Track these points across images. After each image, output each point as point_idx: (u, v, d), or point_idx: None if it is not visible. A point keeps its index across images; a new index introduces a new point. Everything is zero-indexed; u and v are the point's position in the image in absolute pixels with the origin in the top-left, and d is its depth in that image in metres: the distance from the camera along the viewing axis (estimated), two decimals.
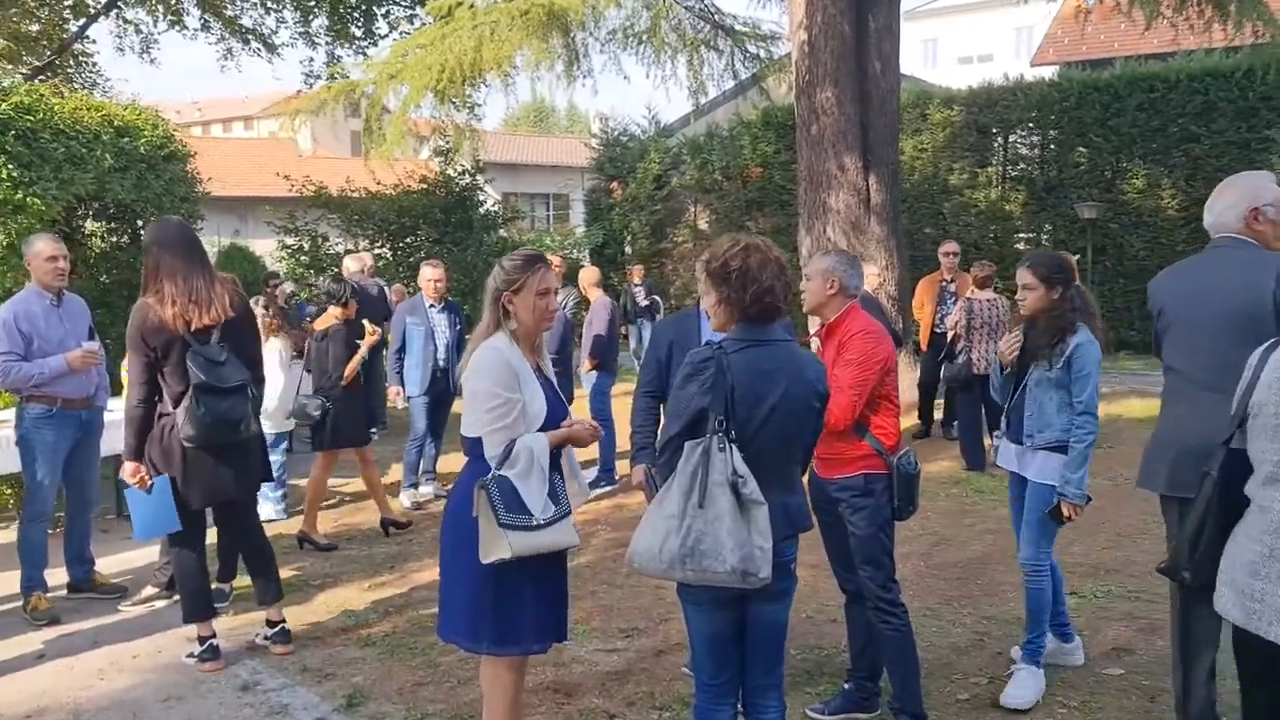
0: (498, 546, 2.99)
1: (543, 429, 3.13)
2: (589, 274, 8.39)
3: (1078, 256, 8.77)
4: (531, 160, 32.59)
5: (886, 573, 3.67)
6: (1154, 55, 17.51)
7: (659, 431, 4.14)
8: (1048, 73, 20.29)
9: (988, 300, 7.80)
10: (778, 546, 2.74)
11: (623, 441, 8.12)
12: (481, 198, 18.89)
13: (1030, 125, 17.09)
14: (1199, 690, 3.29)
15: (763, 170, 19.18)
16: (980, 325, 7.71)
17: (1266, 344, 2.59)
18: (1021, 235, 17.27)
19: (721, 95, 22.10)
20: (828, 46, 10.01)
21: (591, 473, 7.83)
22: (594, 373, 8.02)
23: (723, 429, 2.67)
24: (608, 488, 7.86)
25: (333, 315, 6.74)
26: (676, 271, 20.59)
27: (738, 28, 13.90)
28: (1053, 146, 16.78)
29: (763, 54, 14.21)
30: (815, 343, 3.91)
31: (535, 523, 3.01)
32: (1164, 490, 3.35)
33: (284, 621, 4.81)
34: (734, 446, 2.67)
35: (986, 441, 7.91)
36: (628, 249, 21.02)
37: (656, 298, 15.38)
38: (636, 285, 15.19)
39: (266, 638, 4.77)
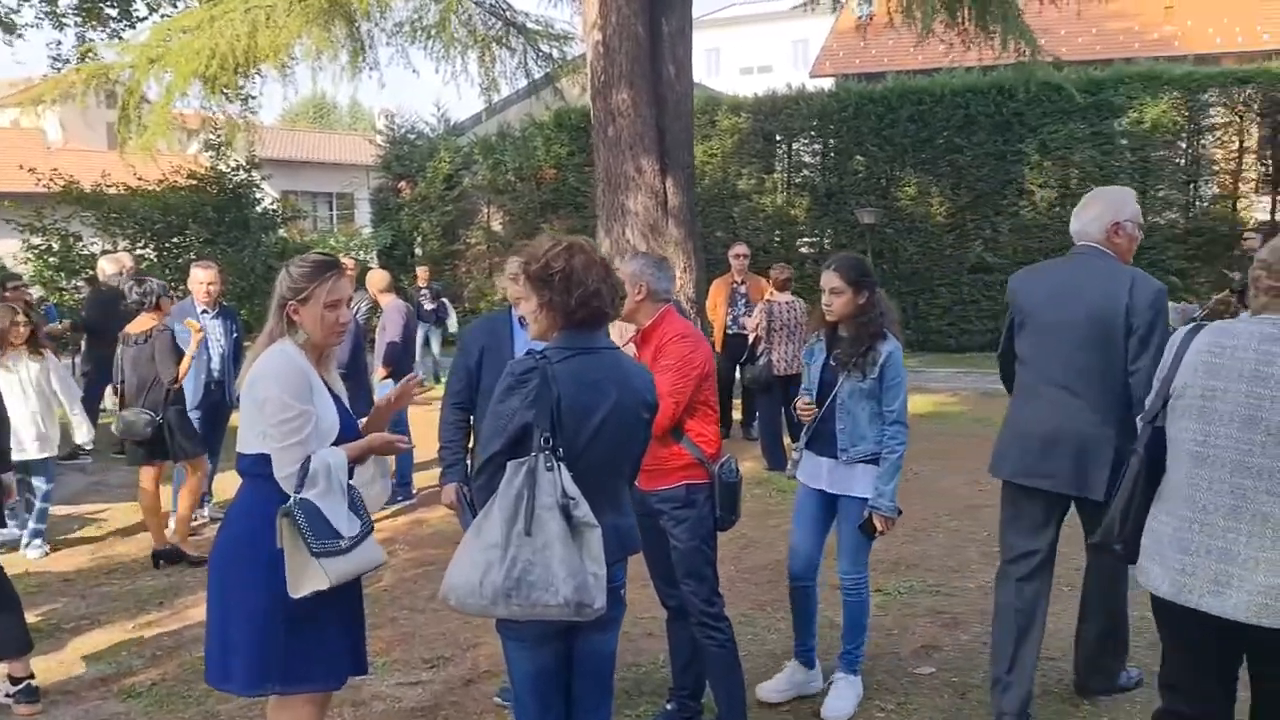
0: (311, 578, 2.67)
1: (335, 443, 2.83)
2: (378, 277, 7.93)
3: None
4: (313, 157, 31.08)
5: (710, 586, 3.55)
6: (921, 71, 18.61)
7: (474, 448, 3.86)
8: (826, 84, 21.22)
9: (787, 302, 7.93)
10: (609, 571, 2.53)
11: (421, 453, 7.78)
12: (258, 195, 17.77)
13: (812, 133, 17.79)
14: (1024, 677, 3.61)
15: (557, 172, 19.04)
16: (780, 327, 7.82)
17: (1188, 328, 2.67)
18: (806, 239, 17.95)
19: (515, 94, 21.71)
20: (622, 48, 9.92)
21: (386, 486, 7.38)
22: (388, 381, 7.57)
23: (549, 446, 2.44)
24: (405, 502, 7.45)
25: (148, 319, 6.08)
26: (470, 274, 20.13)
27: (530, 26, 13.66)
28: (833, 154, 17.51)
29: (556, 54, 14.03)
30: (631, 349, 3.73)
31: (345, 545, 2.72)
32: (1010, 477, 3.63)
33: (31, 676, 4.18)
34: (562, 465, 2.44)
35: (786, 441, 8.04)
36: (418, 250, 20.36)
37: (445, 301, 14.80)
38: (422, 289, 14.58)
39: (9, 695, 4.13)
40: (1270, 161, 15.63)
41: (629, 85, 9.96)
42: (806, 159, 18.13)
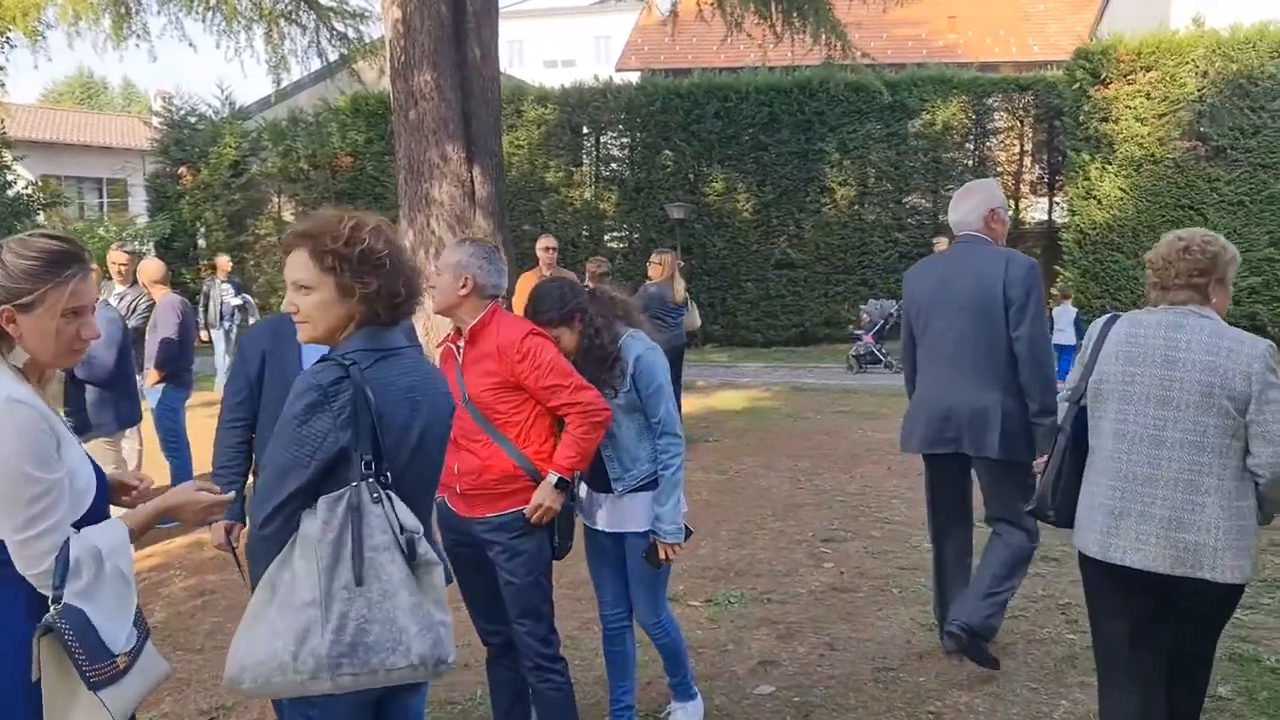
0: (88, 717, 1.94)
1: (93, 507, 2.07)
2: (151, 267, 7.03)
3: (669, 254, 8.90)
4: (78, 139, 28.39)
5: (548, 624, 3.16)
6: (726, 68, 18.81)
7: (255, 478, 3.29)
8: (633, 78, 21.12)
9: None
10: None
11: (202, 463, 6.98)
12: (10, 178, 15.93)
13: (620, 127, 17.63)
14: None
15: (354, 159, 18.06)
16: None
17: (1104, 319, 3.02)
18: (615, 234, 17.77)
19: (308, 77, 20.53)
20: (424, 27, 9.32)
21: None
22: (161, 386, 6.74)
23: (373, 472, 2.01)
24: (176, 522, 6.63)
25: None
26: (260, 268, 18.82)
27: (323, 2, 12.77)
28: (641, 148, 17.39)
29: (352, 33, 13.19)
30: (436, 354, 3.26)
31: (124, 665, 1.99)
32: (920, 449, 4.07)
33: None
34: (392, 494, 2.03)
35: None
36: (201, 241, 18.89)
37: (248, 297, 13.58)
38: (223, 281, 13.17)
39: None
40: (1047, 165, 16.64)
41: (432, 67, 9.38)
42: (615, 152, 17.96)
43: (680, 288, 8.80)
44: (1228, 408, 2.70)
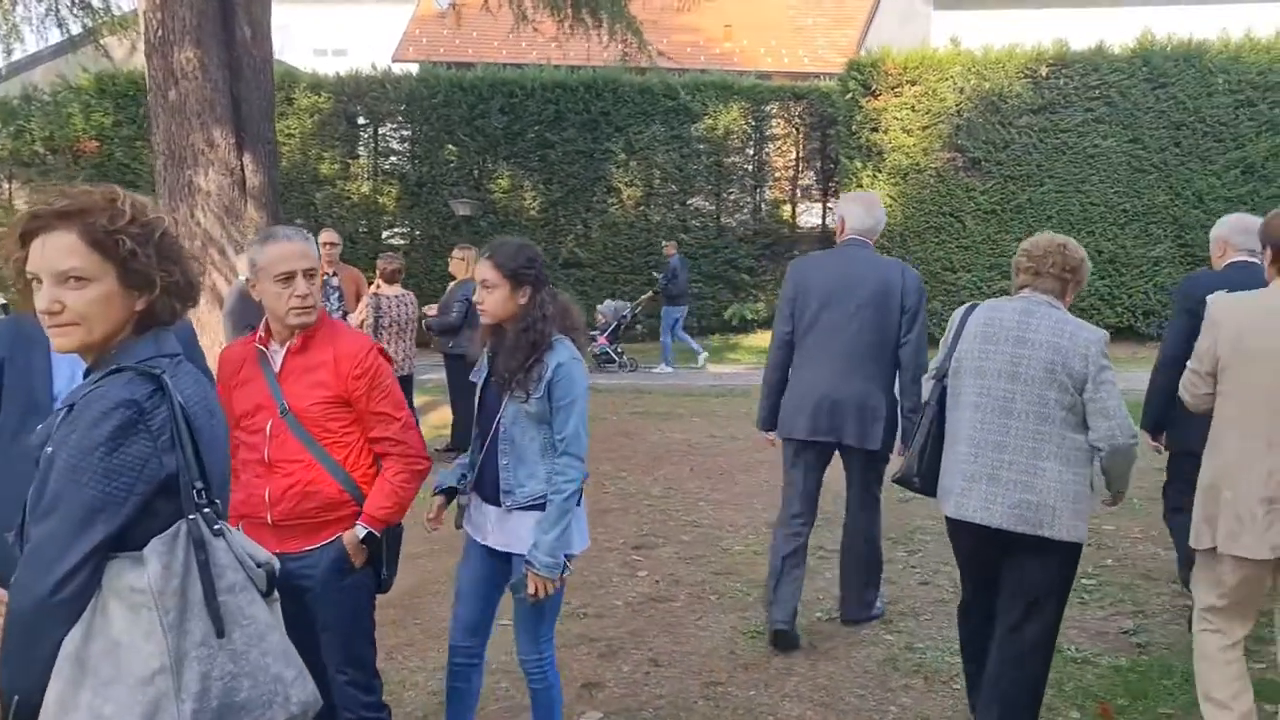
0: None
1: None
2: None
3: (471, 250, 8.49)
4: None
5: (371, 669, 2.81)
6: (510, 64, 18.47)
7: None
8: (412, 70, 20.39)
9: (397, 296, 7.14)
10: None
11: None
12: None
13: (400, 119, 16.93)
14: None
15: (100, 144, 16.41)
16: (390, 324, 7.03)
17: (964, 308, 3.36)
18: (396, 230, 17.07)
19: (44, 51, 18.59)
20: None
21: None
22: None
23: (206, 501, 1.68)
24: None
25: None
26: None
27: None
28: (422, 142, 16.76)
29: (97, 3, 11.92)
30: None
31: None
32: (805, 436, 4.18)
33: None
34: (226, 524, 1.72)
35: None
36: None
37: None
38: None
39: None
40: (821, 171, 17.34)
41: (195, 43, 8.57)
42: (394, 145, 17.23)
43: None
44: (1067, 384, 3.06)
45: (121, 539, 1.61)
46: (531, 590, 2.88)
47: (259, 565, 1.71)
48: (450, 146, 16.48)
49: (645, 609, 4.70)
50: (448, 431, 8.23)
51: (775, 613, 4.22)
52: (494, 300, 2.96)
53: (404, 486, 2.77)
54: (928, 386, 3.42)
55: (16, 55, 12.69)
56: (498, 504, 2.99)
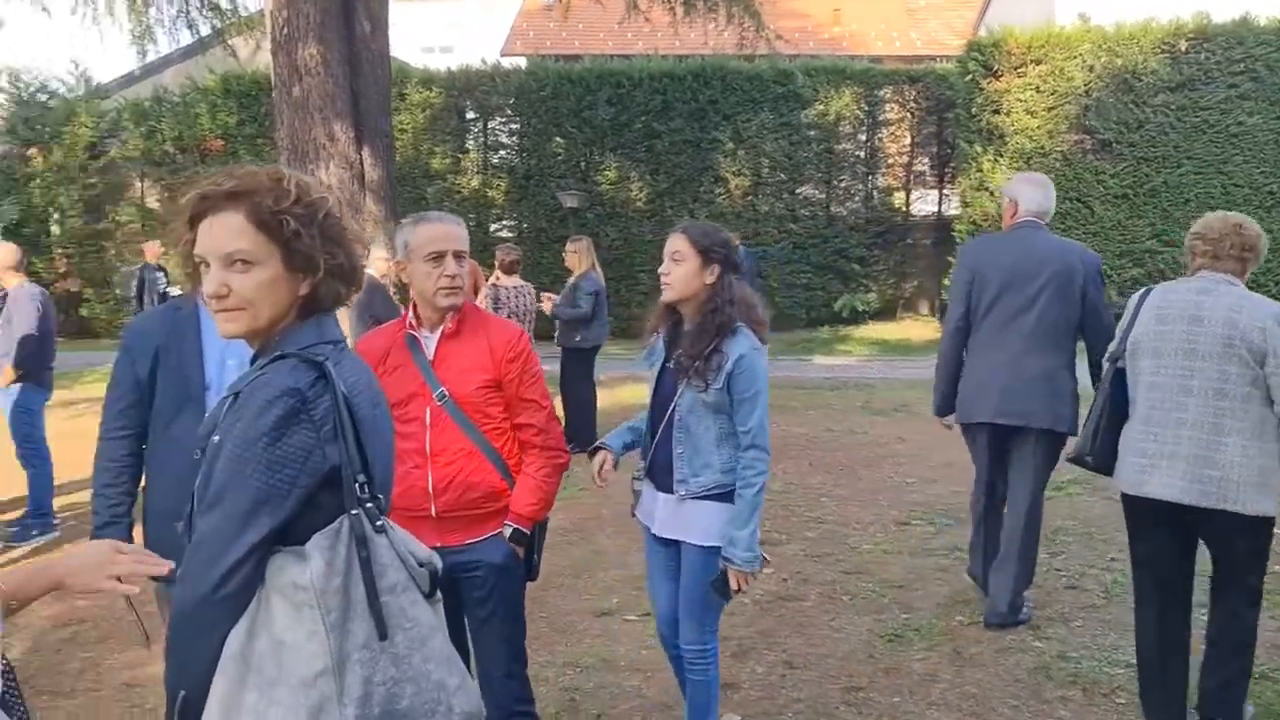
0: None
1: None
2: (4, 253, 6.18)
3: (583, 241, 8.45)
4: None
5: (524, 663, 2.77)
6: (615, 55, 18.42)
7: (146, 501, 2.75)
8: (521, 64, 20.54)
9: (515, 287, 7.13)
10: None
11: (64, 472, 6.23)
12: None
13: (509, 112, 17.05)
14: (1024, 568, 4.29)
15: (225, 143, 16.96)
16: (509, 315, 7.03)
17: (1140, 292, 3.41)
18: (505, 223, 17.21)
19: (175, 53, 19.24)
20: None
21: None
22: (17, 386, 5.96)
23: (369, 495, 1.58)
24: (44, 537, 5.90)
25: None
26: (121, 256, 17.52)
27: None
28: (530, 135, 16.85)
29: (226, 4, 12.27)
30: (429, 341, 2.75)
31: None
32: (990, 418, 4.19)
33: None
34: (389, 519, 1.63)
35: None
36: (54, 229, 17.49)
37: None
38: (156, 268, 12.08)
39: None
40: (936, 157, 16.82)
41: (318, 40, 8.72)
42: (503, 139, 17.38)
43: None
44: (1247, 358, 3.07)
45: (285, 533, 1.54)
46: (735, 587, 2.86)
47: (420, 564, 1.62)
48: (558, 139, 16.52)
49: (775, 608, 4.55)
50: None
51: (977, 569, 4.44)
52: (681, 273, 2.90)
53: (548, 481, 2.74)
54: (1104, 368, 3.47)
55: (150, 58, 13.12)
56: (670, 491, 2.95)
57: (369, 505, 1.57)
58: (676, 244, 2.93)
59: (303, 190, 1.61)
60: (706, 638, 3.01)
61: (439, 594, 1.65)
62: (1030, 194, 4.27)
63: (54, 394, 6.53)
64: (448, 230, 2.68)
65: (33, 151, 17.31)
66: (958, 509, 6.07)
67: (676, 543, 2.98)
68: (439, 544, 2.62)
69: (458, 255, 2.65)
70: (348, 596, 1.52)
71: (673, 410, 2.94)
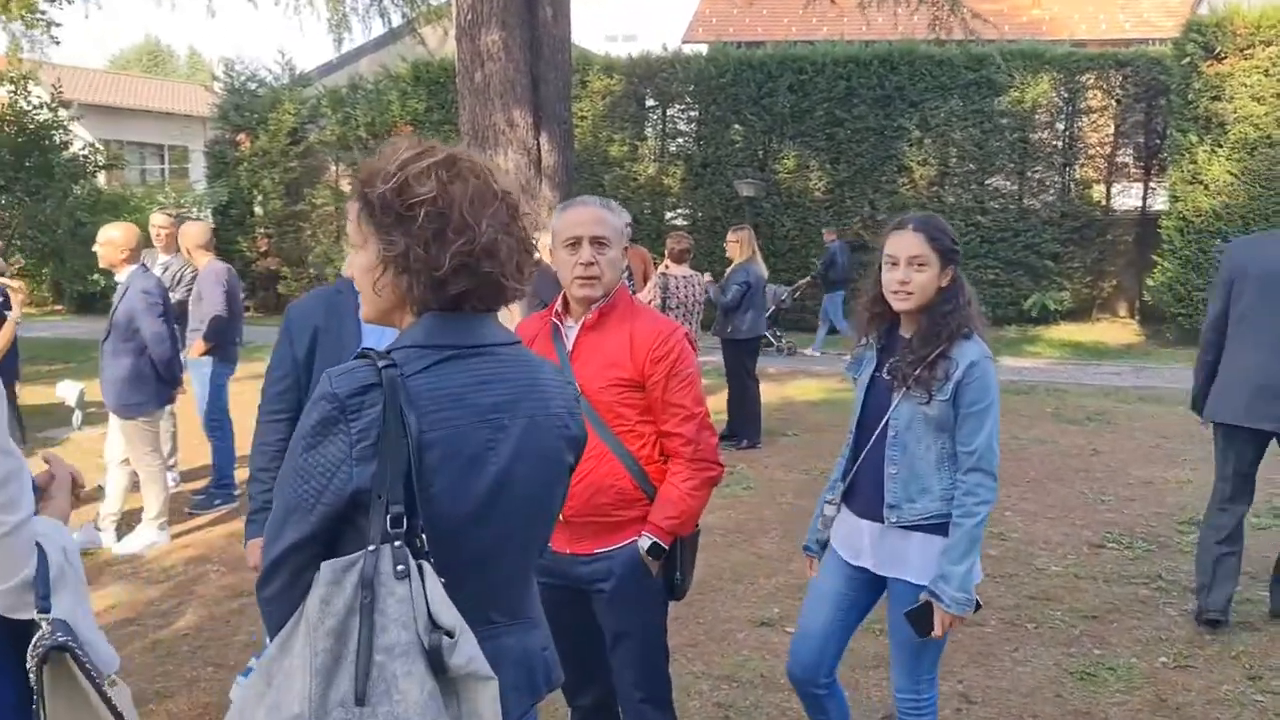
0: None
1: None
2: (195, 231, 6.46)
3: (745, 230, 8.22)
4: (141, 105, 28.26)
5: (666, 686, 2.62)
6: (799, 40, 17.97)
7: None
8: (701, 50, 20.36)
9: (684, 276, 6.96)
10: None
11: (245, 444, 6.49)
12: (66, 138, 15.63)
13: (688, 100, 16.90)
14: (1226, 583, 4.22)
15: (413, 129, 17.53)
16: (677, 305, 6.86)
17: None
18: (680, 210, 17.09)
19: (369, 43, 20.17)
20: None
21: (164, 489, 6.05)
22: (207, 360, 6.24)
23: (404, 529, 1.36)
24: (225, 506, 6.15)
25: None
26: (316, 238, 18.44)
27: None
28: (709, 123, 16.63)
29: None
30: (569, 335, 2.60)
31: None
32: (1240, 421, 4.08)
33: None
34: (429, 565, 1.36)
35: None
36: (258, 209, 18.58)
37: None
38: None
39: None
40: (1144, 147, 15.60)
41: (501, 25, 8.79)
42: (681, 126, 17.23)
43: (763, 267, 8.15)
44: None
45: (328, 548, 1.39)
46: (938, 631, 2.52)
47: (434, 629, 1.33)
48: (736, 126, 16.24)
49: (951, 632, 4.19)
50: (724, 417, 7.96)
51: (1209, 599, 4.17)
52: (924, 281, 2.57)
53: (693, 494, 2.49)
54: None
55: (345, 47, 13.71)
56: (876, 519, 2.61)
57: (398, 545, 1.34)
58: (914, 246, 2.56)
59: (408, 175, 1.44)
60: (922, 687, 2.67)
61: (452, 670, 1.34)
62: None
63: (244, 367, 6.82)
64: (588, 214, 2.49)
65: (241, 137, 18.40)
66: (1159, 533, 5.52)
67: (875, 577, 2.65)
68: (569, 551, 2.46)
69: (596, 241, 2.46)
70: (342, 642, 1.32)
71: (885, 425, 2.60)
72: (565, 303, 2.57)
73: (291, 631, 1.38)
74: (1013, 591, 4.66)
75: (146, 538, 5.44)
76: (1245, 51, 12.82)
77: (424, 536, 1.37)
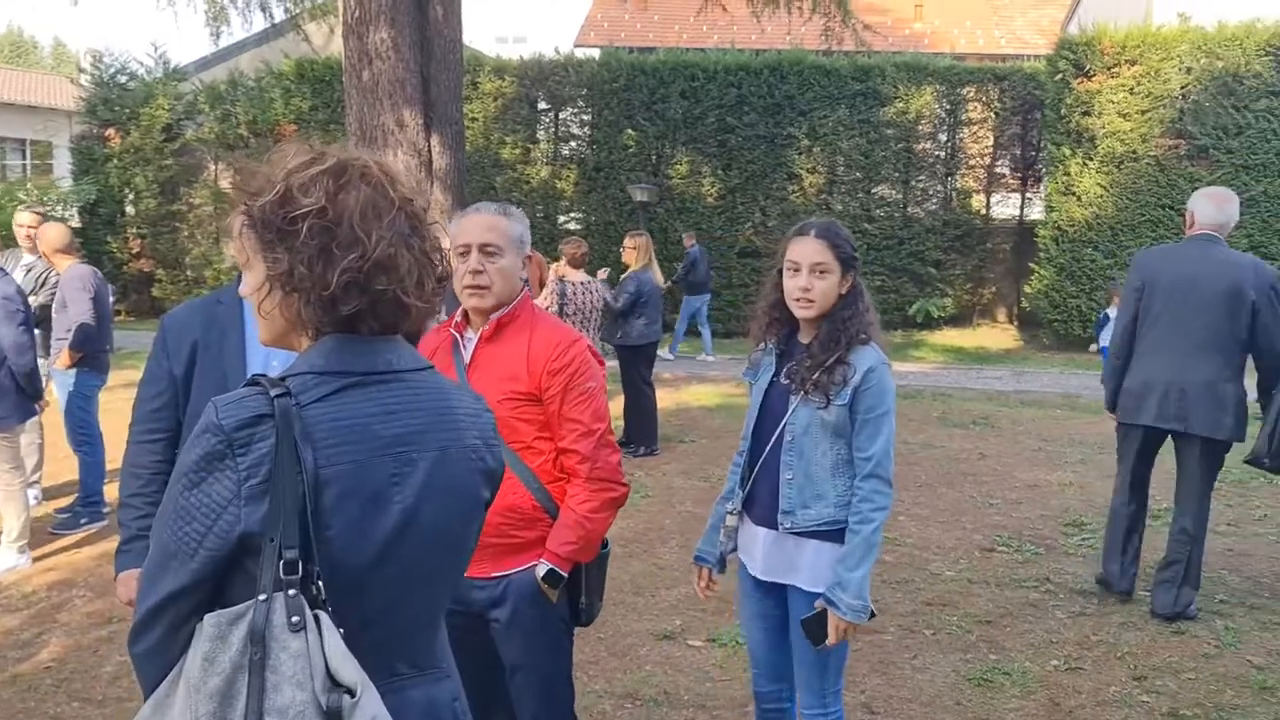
0: None
1: None
2: (53, 234, 5.94)
3: (642, 237, 8.22)
4: (1, 97, 26.68)
5: (569, 714, 2.47)
6: (690, 48, 18.08)
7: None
8: (594, 54, 20.32)
9: (583, 283, 6.86)
10: None
11: (115, 458, 6.12)
12: None
13: (581, 103, 16.83)
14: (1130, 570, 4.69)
15: (298, 128, 16.99)
16: (575, 311, 6.76)
17: None
18: (573, 215, 17.00)
19: (250, 38, 19.46)
20: None
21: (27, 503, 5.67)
22: (73, 370, 5.85)
23: (299, 576, 1.22)
24: (91, 525, 5.78)
25: None
26: (194, 239, 17.70)
27: None
28: (602, 127, 16.60)
29: None
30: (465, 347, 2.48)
31: None
32: (1151, 422, 4.39)
33: None
34: (328, 613, 1.23)
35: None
36: (129, 208, 17.74)
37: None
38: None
39: None
40: (1020, 159, 16.20)
41: (389, 24, 8.56)
42: (574, 130, 17.15)
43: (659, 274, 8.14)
44: None
45: (218, 594, 1.25)
46: (832, 639, 2.47)
47: (333, 688, 1.19)
48: (629, 131, 16.24)
49: (851, 640, 4.19)
50: (621, 422, 7.90)
51: (1120, 581, 4.61)
52: (825, 288, 2.55)
53: (591, 517, 2.36)
54: None
55: (223, 41, 13.17)
56: (772, 526, 2.57)
57: (292, 594, 1.20)
58: (817, 253, 2.53)
59: (296, 183, 1.31)
60: (829, 701, 2.63)
61: None
62: (1205, 207, 4.44)
63: (116, 375, 6.43)
64: (479, 221, 2.39)
65: (110, 132, 17.54)
66: (1046, 536, 5.68)
67: (778, 586, 2.62)
68: (466, 574, 2.36)
69: (485, 249, 2.35)
70: (228, 705, 1.17)
71: (782, 430, 2.56)
72: (465, 314, 2.46)
73: (169, 691, 1.24)
74: (910, 598, 4.71)
75: (6, 561, 5.06)
76: (1112, 70, 13.44)
77: (320, 583, 1.24)
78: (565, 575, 2.35)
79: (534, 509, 2.35)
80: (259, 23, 12.49)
